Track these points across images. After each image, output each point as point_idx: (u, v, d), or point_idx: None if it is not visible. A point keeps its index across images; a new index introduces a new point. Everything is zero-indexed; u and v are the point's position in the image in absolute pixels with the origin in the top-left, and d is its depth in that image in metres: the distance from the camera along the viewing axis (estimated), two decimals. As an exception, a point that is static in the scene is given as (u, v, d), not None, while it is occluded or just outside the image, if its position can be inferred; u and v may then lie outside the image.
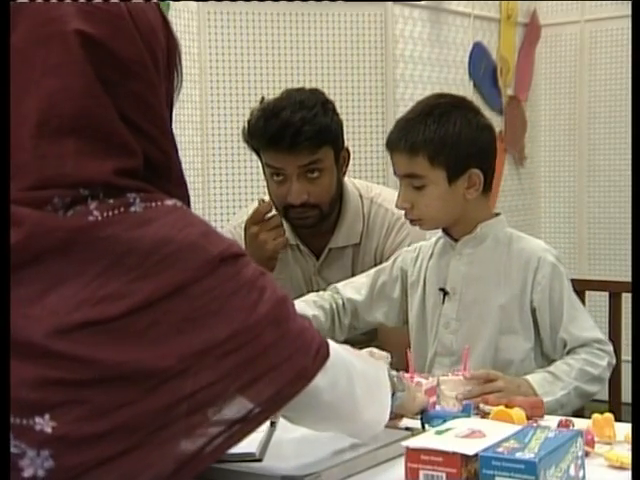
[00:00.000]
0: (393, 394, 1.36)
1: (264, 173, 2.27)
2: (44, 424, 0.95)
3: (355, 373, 1.23)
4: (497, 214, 1.92)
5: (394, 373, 1.41)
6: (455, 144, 1.81)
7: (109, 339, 1.00)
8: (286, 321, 1.13)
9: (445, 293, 1.90)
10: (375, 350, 1.89)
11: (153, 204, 1.09)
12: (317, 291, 2.26)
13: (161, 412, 1.01)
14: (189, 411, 1.03)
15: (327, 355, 1.16)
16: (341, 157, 2.24)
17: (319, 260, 2.31)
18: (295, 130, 2.10)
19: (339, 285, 2.07)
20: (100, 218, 1.05)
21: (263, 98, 2.23)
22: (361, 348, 2.31)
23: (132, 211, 1.07)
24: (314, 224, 2.23)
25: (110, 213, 1.05)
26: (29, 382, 0.97)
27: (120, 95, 1.07)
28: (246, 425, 1.08)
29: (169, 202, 1.11)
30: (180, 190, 1.17)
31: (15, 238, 1.01)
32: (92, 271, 1.02)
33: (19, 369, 0.97)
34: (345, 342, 2.00)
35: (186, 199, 1.17)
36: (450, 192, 1.82)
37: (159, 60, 1.13)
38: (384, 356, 1.84)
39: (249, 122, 2.21)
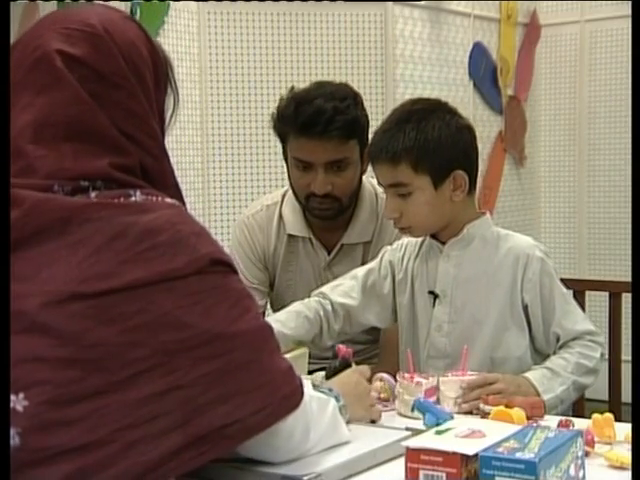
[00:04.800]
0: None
1: (285, 160, 2.28)
2: (16, 402, 0.98)
3: (313, 422, 1.24)
4: (482, 213, 1.91)
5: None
6: (437, 148, 1.80)
7: (94, 315, 1.02)
8: (262, 350, 1.15)
9: (435, 296, 1.88)
10: None
11: (153, 198, 1.14)
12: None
13: (130, 408, 1.02)
14: (157, 414, 1.04)
15: (296, 405, 1.18)
16: (365, 153, 2.24)
17: (330, 255, 2.31)
18: (328, 118, 2.11)
19: (326, 290, 2.03)
20: (99, 201, 1.10)
21: (293, 87, 2.25)
22: (365, 347, 2.32)
23: (132, 200, 1.12)
24: (332, 216, 2.24)
25: (109, 200, 1.11)
26: (11, 358, 0.99)
27: (106, 105, 1.15)
28: (213, 447, 1.08)
29: (169, 200, 1.15)
30: (176, 196, 1.20)
31: (16, 215, 1.06)
32: (83, 251, 1.06)
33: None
34: (349, 341, 2.00)
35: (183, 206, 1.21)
36: (436, 196, 1.81)
37: (142, 71, 1.20)
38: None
39: (279, 108, 2.21)
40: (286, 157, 2.26)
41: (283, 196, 2.36)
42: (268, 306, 2.44)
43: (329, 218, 2.25)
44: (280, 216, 2.34)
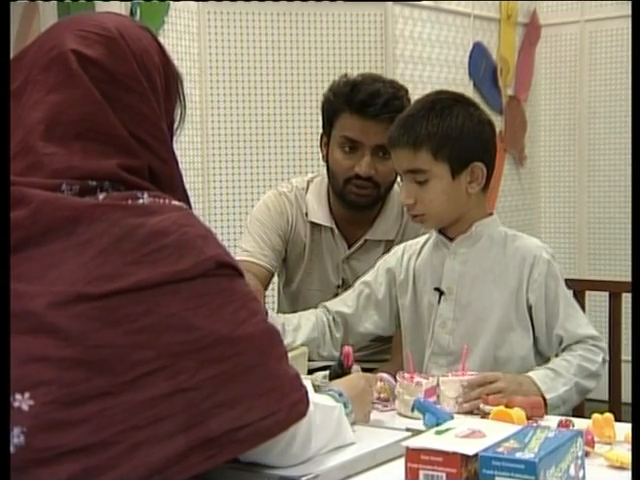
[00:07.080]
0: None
1: (322, 142, 2.30)
2: (22, 401, 0.98)
3: (315, 431, 1.23)
4: (490, 214, 1.92)
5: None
6: (458, 137, 1.81)
7: (100, 316, 1.03)
8: (269, 354, 1.15)
9: (441, 293, 1.89)
10: None
11: (161, 200, 1.15)
12: (344, 279, 2.28)
13: (135, 410, 1.02)
14: (161, 416, 1.04)
15: (304, 413, 1.17)
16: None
17: (351, 248, 2.32)
18: (384, 101, 2.16)
19: (327, 302, 2.07)
20: (107, 202, 1.11)
21: (346, 74, 2.30)
22: (369, 344, 2.32)
23: (140, 203, 1.12)
24: (367, 203, 2.25)
25: (117, 202, 1.11)
26: (16, 357, 0.99)
27: (118, 107, 1.16)
28: (221, 451, 1.08)
29: (176, 203, 1.16)
30: (183, 199, 1.21)
31: (24, 214, 1.07)
32: (90, 252, 1.06)
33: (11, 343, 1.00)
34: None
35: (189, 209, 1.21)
36: (453, 186, 1.82)
37: (154, 78, 1.22)
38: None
39: (333, 87, 2.26)
40: (327, 139, 2.28)
41: (308, 183, 2.37)
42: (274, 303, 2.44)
43: (362, 205, 2.26)
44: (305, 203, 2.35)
